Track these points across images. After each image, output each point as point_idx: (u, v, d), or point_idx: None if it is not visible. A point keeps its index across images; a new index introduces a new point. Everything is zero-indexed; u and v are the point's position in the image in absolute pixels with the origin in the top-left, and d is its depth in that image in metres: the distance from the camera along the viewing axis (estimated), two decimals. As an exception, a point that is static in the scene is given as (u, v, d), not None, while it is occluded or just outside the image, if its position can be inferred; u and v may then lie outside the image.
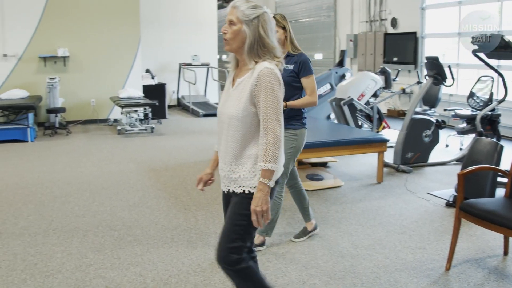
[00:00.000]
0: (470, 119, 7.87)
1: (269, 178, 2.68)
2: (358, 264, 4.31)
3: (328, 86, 10.75)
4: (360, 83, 9.32)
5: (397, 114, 13.46)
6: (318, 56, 17.89)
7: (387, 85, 10.00)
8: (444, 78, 7.78)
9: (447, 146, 9.18)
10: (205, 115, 13.86)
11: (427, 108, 9.84)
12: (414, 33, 13.17)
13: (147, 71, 14.75)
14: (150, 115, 11.79)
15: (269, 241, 4.78)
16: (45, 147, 9.69)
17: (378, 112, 9.43)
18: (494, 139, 6.28)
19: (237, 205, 2.87)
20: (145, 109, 11.41)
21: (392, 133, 9.03)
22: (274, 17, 4.35)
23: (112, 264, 4.37)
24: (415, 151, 7.63)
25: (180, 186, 6.78)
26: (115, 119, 12.67)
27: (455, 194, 5.58)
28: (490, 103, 7.86)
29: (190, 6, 16.01)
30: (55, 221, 5.47)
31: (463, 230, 4.82)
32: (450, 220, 5.24)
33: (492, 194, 5.45)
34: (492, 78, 8.26)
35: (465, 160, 5.83)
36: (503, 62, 9.56)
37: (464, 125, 8.03)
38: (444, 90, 10.03)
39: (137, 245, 4.77)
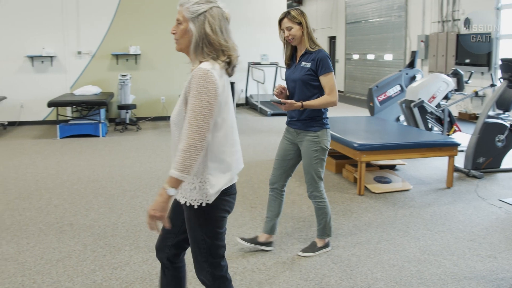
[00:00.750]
0: (546, 124, 7.61)
1: (174, 186, 2.44)
2: (425, 270, 4.23)
3: (398, 88, 10.61)
4: (431, 85, 9.14)
5: (469, 118, 13.14)
6: (388, 57, 17.66)
7: (459, 87, 9.76)
8: (519, 81, 7.55)
9: (521, 151, 8.90)
10: (273, 115, 13.88)
11: (501, 111, 9.56)
12: (489, 34, 12.82)
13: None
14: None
15: (334, 243, 4.76)
16: (116, 142, 9.94)
17: (449, 115, 9.23)
18: None
19: (187, 219, 2.70)
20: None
21: (463, 137, 8.83)
22: (289, 12, 4.29)
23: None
24: (487, 156, 7.43)
25: (247, 184, 6.83)
26: (184, 116, 12.83)
27: (529, 201, 5.41)
28: None
29: (259, 5, 16.07)
30: (124, 214, 5.61)
31: (536, 239, 4.68)
32: (523, 228, 5.10)
33: None
34: None
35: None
36: None
37: (540, 130, 7.77)
38: (519, 93, 9.73)
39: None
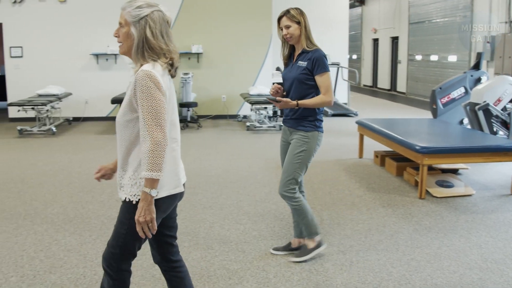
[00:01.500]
0: None
1: (152, 186, 2.49)
2: (487, 278, 4.13)
3: (462, 90, 10.39)
4: (497, 88, 8.91)
5: (536, 122, 12.73)
6: (452, 58, 17.29)
7: (527, 90, 9.49)
8: None
9: None
10: (334, 115, 13.82)
11: None
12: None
13: (278, 69, 14.90)
14: (279, 112, 11.93)
15: (393, 247, 4.70)
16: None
17: (516, 119, 8.99)
18: None
19: (120, 212, 2.72)
20: (274, 106, 11.53)
21: (530, 141, 8.57)
22: (288, 11, 4.17)
23: (236, 257, 4.47)
24: (555, 162, 7.20)
25: (306, 184, 6.80)
26: (244, 115, 12.95)
27: None
28: None
29: (321, 5, 16.00)
30: (183, 211, 5.68)
31: None
32: None
33: None
34: None
35: None
36: None
37: None
38: None
39: (262, 240, 4.85)
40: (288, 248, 4.57)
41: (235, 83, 12.88)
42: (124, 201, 2.69)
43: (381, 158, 7.89)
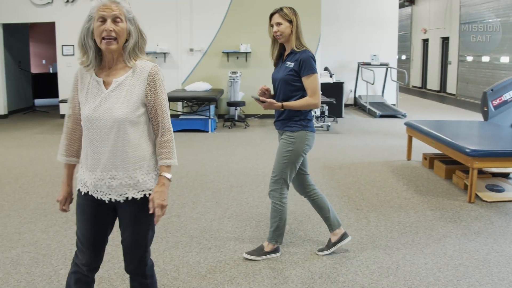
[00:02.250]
0: None
1: (170, 172, 2.69)
2: (539, 284, 4.04)
3: (515, 92, 10.17)
4: (552, 91, 8.70)
5: None
6: (505, 59, 16.93)
7: None
8: None
9: None
10: (382, 116, 13.69)
11: None
12: None
13: (326, 69, 14.88)
14: (326, 112, 11.89)
15: (441, 251, 4.63)
16: (224, 138, 10.14)
17: None
18: None
19: (141, 213, 2.68)
20: (322, 106, 11.51)
21: None
22: (281, 8, 4.15)
23: (282, 256, 4.47)
24: None
25: (353, 185, 6.77)
26: (291, 114, 12.92)
27: None
28: None
29: (371, 5, 15.90)
30: (230, 209, 5.72)
31: None
32: None
33: None
34: None
35: None
36: None
37: None
38: None
39: (308, 240, 4.85)
40: (331, 245, 4.56)
41: (283, 83, 12.89)
42: (143, 199, 2.67)
43: (430, 160, 7.78)
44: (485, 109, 10.21)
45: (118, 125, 2.55)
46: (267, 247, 4.46)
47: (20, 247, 4.65)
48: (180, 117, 11.33)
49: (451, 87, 21.20)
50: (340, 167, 7.79)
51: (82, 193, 2.71)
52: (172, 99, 11.14)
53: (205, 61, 12.79)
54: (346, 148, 9.37)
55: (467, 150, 6.14)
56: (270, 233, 4.46)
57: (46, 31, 16.06)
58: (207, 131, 10.88)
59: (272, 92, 4.44)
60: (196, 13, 12.66)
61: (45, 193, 6.34)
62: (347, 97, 15.89)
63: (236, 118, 12.02)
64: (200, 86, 11.86)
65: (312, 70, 4.16)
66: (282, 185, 4.30)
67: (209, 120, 10.96)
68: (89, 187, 2.68)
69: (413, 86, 25.44)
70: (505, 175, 7.15)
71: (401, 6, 24.49)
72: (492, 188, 6.44)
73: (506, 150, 6.31)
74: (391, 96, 15.95)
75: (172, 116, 11.19)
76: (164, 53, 12.71)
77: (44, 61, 18.62)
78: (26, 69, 15.09)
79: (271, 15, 4.30)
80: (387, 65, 15.65)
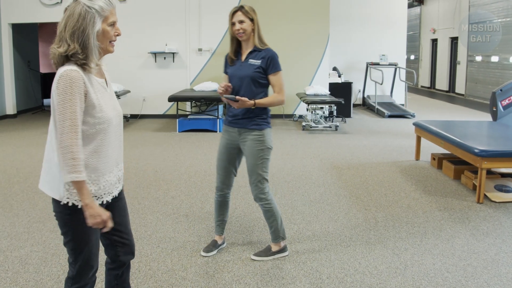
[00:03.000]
0: None
1: None
2: (548, 285, 4.02)
3: (524, 92, 10.12)
4: (562, 91, 8.66)
5: None
6: (514, 60, 16.87)
7: None
8: None
9: None
10: (391, 116, 13.67)
11: None
12: None
13: (334, 69, 14.87)
14: (335, 113, 11.89)
15: (449, 251, 4.62)
16: (233, 138, 10.14)
17: None
18: None
19: (125, 203, 2.93)
20: (330, 106, 11.51)
21: None
22: (243, 6, 4.11)
23: (290, 256, 4.47)
24: None
25: (361, 185, 6.76)
26: (300, 115, 12.94)
27: None
28: None
29: (379, 5, 15.88)
30: (238, 209, 5.72)
31: None
32: None
33: None
34: None
35: None
36: None
37: None
38: None
39: (316, 240, 4.85)
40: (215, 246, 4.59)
41: (292, 83, 12.88)
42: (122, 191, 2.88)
43: (439, 160, 7.76)
44: (494, 109, 10.17)
45: (121, 120, 2.73)
46: (274, 247, 4.47)
47: (28, 247, 4.67)
48: (188, 117, 11.35)
49: (460, 87, 21.13)
50: (349, 167, 7.78)
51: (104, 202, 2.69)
52: (180, 99, 11.16)
53: (213, 61, 12.79)
54: (354, 148, 9.36)
55: (476, 151, 6.12)
56: (271, 234, 4.47)
57: (55, 31, 16.07)
58: (216, 131, 10.88)
59: None
60: (205, 13, 12.67)
61: (54, 193, 6.36)
62: (356, 97, 15.88)
63: (244, 118, 12.02)
64: (208, 86, 11.86)
65: (279, 68, 4.24)
66: (264, 184, 4.31)
67: (218, 120, 10.98)
68: (113, 191, 2.74)
69: (422, 86, 25.37)
70: (514, 176, 7.13)
71: (410, 6, 24.44)
72: (501, 189, 6.42)
73: (515, 150, 6.29)
74: (399, 96, 15.92)
75: (180, 116, 11.23)
76: (173, 53, 12.74)
77: (53, 61, 18.65)
78: (35, 69, 15.16)
79: (233, 13, 4.26)
80: (395, 65, 15.61)
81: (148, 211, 5.66)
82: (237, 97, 4.09)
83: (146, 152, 8.74)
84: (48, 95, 15.39)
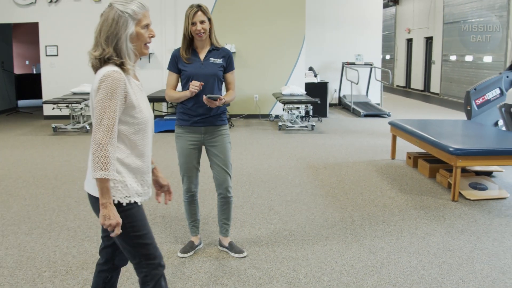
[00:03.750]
0: None
1: None
2: (521, 282, 4.07)
3: (497, 91, 10.24)
4: (534, 90, 8.77)
5: None
6: (487, 59, 17.06)
7: None
8: None
9: None
10: (366, 115, 13.75)
11: None
12: None
13: (310, 69, 14.91)
14: (311, 112, 11.92)
15: (425, 249, 4.66)
16: (210, 139, 10.11)
17: (553, 121, 8.83)
18: None
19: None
20: (306, 106, 11.53)
21: None
22: (200, 5, 4.13)
23: (267, 256, 4.48)
24: None
25: (337, 185, 6.79)
26: (276, 115, 12.95)
27: None
28: None
29: (355, 5, 15.97)
30: (214, 209, 5.71)
31: None
32: None
33: None
34: None
35: None
36: None
37: None
38: None
39: (292, 240, 4.86)
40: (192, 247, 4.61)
41: (268, 83, 12.90)
42: None
43: (414, 159, 7.82)
44: (468, 108, 10.28)
45: (153, 122, 2.76)
46: (229, 239, 4.60)
47: (3, 250, 4.61)
48: (164, 117, 11.30)
49: (435, 87, 21.32)
50: (325, 167, 7.81)
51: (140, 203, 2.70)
52: (156, 99, 11.12)
53: (189, 62, 12.74)
54: (330, 147, 9.40)
55: (451, 149, 6.18)
56: (228, 228, 4.60)
57: (30, 31, 15.93)
58: (192, 132, 10.84)
59: None
60: (181, 12, 12.60)
61: (29, 195, 6.30)
62: (332, 97, 15.93)
63: (221, 118, 12.00)
64: (184, 87, 11.81)
65: (234, 66, 4.41)
66: (231, 176, 4.49)
67: (194, 120, 10.94)
68: (150, 192, 2.79)
69: (397, 86, 25.56)
70: (488, 174, 7.21)
71: (385, 6, 24.60)
72: (476, 187, 6.49)
73: (489, 148, 6.36)
74: (375, 96, 16.02)
75: (156, 116, 11.18)
76: (149, 54, 12.66)
77: (27, 62, 18.49)
78: (9, 70, 14.99)
79: (194, 13, 4.20)
80: (371, 64, 15.70)
81: (124, 212, 5.61)
82: (221, 96, 4.14)
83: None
84: (22, 97, 15.26)
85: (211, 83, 4.25)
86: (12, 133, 11.00)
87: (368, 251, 4.61)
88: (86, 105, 11.22)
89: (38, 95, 13.71)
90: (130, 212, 2.61)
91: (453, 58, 19.66)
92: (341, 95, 16.02)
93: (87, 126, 10.91)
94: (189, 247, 4.56)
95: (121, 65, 2.54)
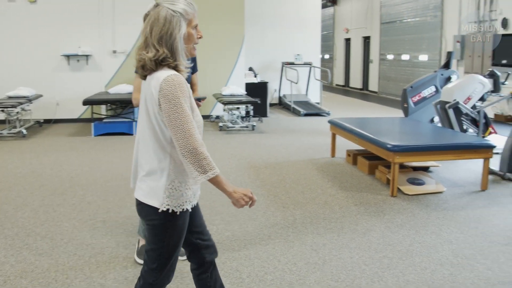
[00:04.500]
0: None
1: None
2: (458, 273, 4.18)
3: (433, 89, 10.50)
4: (467, 86, 9.02)
5: (505, 120, 12.93)
6: (423, 58, 17.48)
7: (496, 88, 9.61)
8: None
9: (558, 155, 8.73)
10: (306, 115, 13.87)
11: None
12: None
13: (250, 69, 14.94)
14: (251, 112, 11.94)
15: (366, 245, 4.74)
16: (150, 141, 10.00)
17: (485, 116, 9.10)
18: None
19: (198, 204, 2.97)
20: (247, 106, 11.55)
21: (499, 139, 8.69)
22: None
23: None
24: (523, 159, 7.31)
25: (279, 184, 6.82)
26: (217, 115, 12.92)
27: None
28: None
29: (294, 5, 16.08)
30: (157, 212, 5.64)
31: None
32: (559, 233, 4.99)
33: None
34: None
35: None
36: None
37: None
38: (557, 95, 9.55)
39: (235, 240, 4.85)
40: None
41: (208, 83, 12.83)
42: None
43: (354, 157, 7.94)
44: (405, 105, 10.50)
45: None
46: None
47: None
48: (104, 120, 11.12)
49: (373, 85, 21.70)
50: (266, 166, 7.83)
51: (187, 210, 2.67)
52: (95, 102, 10.94)
53: (129, 63, 12.55)
54: (271, 147, 9.43)
55: (389, 146, 6.29)
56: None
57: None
58: (132, 134, 10.71)
59: None
60: (119, 13, 12.44)
61: (-37, 202, 6.10)
62: (272, 96, 16.00)
63: (162, 120, 11.88)
64: (124, 89, 11.65)
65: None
66: None
67: (134, 122, 10.81)
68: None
69: (337, 85, 25.89)
70: (425, 169, 7.38)
71: (324, 6, 24.89)
72: (413, 182, 6.63)
73: (425, 144, 6.51)
74: (315, 95, 16.18)
75: (95, 119, 10.99)
76: (87, 56, 12.44)
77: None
78: None
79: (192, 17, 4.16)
80: (310, 64, 15.86)
81: (64, 218, 5.50)
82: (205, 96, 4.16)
83: (60, 157, 8.49)
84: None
85: None
86: None
87: (310, 249, 4.64)
88: (23, 109, 10.94)
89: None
90: (180, 222, 2.61)
91: (390, 57, 20.06)
92: (281, 95, 16.11)
93: (24, 131, 10.62)
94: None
95: (175, 67, 2.51)
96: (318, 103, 15.72)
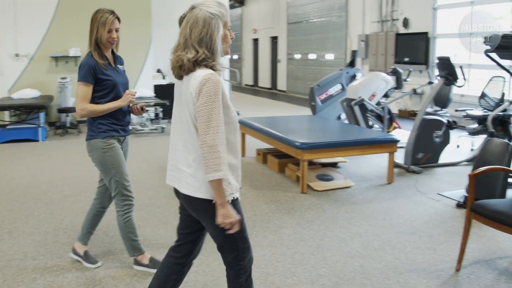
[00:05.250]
0: (481, 120, 7.83)
1: None
2: (368, 264, 4.29)
3: (339, 87, 10.75)
4: (371, 84, 9.29)
5: (408, 115, 13.41)
6: (329, 56, 17.88)
7: (398, 85, 9.96)
8: (455, 78, 7.73)
9: (458, 146, 9.14)
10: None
11: (438, 108, 9.80)
12: (426, 33, 13.11)
13: (158, 71, 14.78)
14: (160, 114, 11.83)
15: (278, 242, 4.78)
16: (56, 147, 9.73)
17: (389, 112, 9.41)
18: (506, 140, 6.24)
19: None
20: (156, 109, 11.43)
21: (402, 133, 9.00)
22: (114, 12, 4.07)
23: (122, 264, 4.38)
24: (425, 152, 7.60)
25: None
26: (126, 118, 12.69)
27: (466, 195, 5.54)
28: (501, 103, 7.83)
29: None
30: (65, 220, 5.49)
31: (474, 231, 4.79)
32: (461, 221, 5.20)
33: (503, 195, 5.39)
34: (504, 78, 8.22)
35: (476, 161, 5.77)
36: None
37: (475, 125, 8.00)
38: (455, 90, 10.00)
39: (147, 244, 4.78)
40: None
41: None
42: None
43: (263, 155, 8.00)
44: (313, 103, 10.70)
45: None
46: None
47: None
48: (7, 127, 10.70)
49: (281, 84, 21.98)
50: (177, 168, 7.75)
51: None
52: (-4, 108, 10.53)
53: (32, 67, 12.15)
54: (182, 149, 9.35)
55: (297, 144, 6.38)
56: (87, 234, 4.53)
57: None
58: (38, 140, 10.37)
59: None
60: (21, 15, 11.99)
61: None
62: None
63: (68, 125, 11.57)
64: (28, 93, 11.25)
65: None
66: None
67: (39, 128, 10.47)
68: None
69: (246, 85, 26.06)
70: (334, 165, 7.53)
71: (232, 7, 24.99)
72: (322, 178, 6.75)
73: (333, 141, 6.66)
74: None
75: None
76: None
77: None
78: None
79: (112, 21, 4.03)
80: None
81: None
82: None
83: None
84: None
85: (124, 91, 4.16)
86: None
87: (223, 249, 4.63)
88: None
89: None
90: (235, 208, 2.71)
91: (297, 56, 20.38)
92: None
93: None
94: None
95: (212, 67, 2.61)
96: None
